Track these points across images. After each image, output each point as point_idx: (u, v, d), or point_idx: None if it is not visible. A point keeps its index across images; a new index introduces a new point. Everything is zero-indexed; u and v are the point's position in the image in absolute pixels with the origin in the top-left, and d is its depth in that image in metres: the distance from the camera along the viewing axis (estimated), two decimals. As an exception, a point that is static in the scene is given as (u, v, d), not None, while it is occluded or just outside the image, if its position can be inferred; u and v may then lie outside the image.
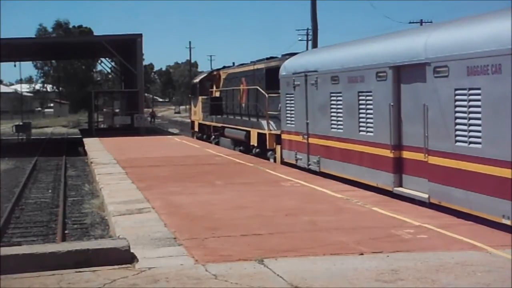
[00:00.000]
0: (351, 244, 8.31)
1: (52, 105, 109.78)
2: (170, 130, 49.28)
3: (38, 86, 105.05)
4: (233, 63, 29.49)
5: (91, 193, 18.03)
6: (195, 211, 11.08)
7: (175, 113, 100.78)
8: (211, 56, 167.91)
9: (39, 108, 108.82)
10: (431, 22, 57.25)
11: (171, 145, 27.86)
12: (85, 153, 27.56)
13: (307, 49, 59.77)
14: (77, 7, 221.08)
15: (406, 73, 12.04)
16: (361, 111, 13.73)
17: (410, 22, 69.75)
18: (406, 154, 12.14)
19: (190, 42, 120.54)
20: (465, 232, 8.83)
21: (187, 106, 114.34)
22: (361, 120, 13.75)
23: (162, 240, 8.71)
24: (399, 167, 12.29)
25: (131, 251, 7.69)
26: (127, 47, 41.01)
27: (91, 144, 29.13)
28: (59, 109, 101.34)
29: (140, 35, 38.88)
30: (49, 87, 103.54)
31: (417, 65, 11.44)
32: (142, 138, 33.55)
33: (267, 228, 9.48)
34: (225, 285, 6.67)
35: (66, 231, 13.62)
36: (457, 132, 10.34)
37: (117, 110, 48.55)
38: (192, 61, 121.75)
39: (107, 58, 55.98)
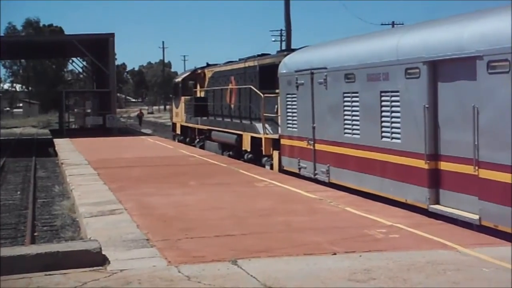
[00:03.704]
0: (324, 244, 8.34)
1: (21, 105, 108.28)
2: (143, 130, 48.96)
3: (6, 86, 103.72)
4: (207, 63, 28.87)
5: (62, 194, 17.82)
6: (169, 212, 11.02)
7: (148, 113, 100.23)
8: (184, 56, 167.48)
9: (8, 108, 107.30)
10: (402, 24, 57.69)
11: (144, 146, 27.67)
12: (56, 154, 27.24)
13: (280, 50, 59.94)
14: (48, 5, 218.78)
15: (445, 69, 10.20)
16: (384, 114, 11.85)
17: (382, 24, 70.54)
18: (446, 166, 10.30)
19: (163, 42, 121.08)
20: (435, 231, 8.92)
21: (160, 107, 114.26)
22: (384, 124, 11.85)
23: (134, 242, 8.63)
24: (435, 180, 10.52)
25: (103, 253, 7.60)
26: (99, 47, 40.67)
27: (62, 145, 28.81)
28: (29, 109, 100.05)
29: (112, 35, 38.57)
30: (18, 87, 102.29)
31: (463, 59, 9.63)
32: (114, 138, 33.25)
33: (241, 228, 9.47)
34: (198, 286, 6.63)
35: (35, 234, 13.44)
36: None
37: (88, 110, 48.06)
38: (166, 61, 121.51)
39: (78, 58, 55.51)
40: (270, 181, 14.72)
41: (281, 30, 69.56)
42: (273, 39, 77.05)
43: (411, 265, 7.20)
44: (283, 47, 52.27)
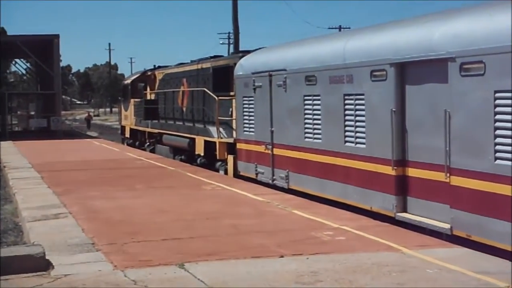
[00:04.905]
0: (272, 247, 8.37)
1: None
2: (88, 133, 48.22)
3: None
4: (154, 65, 28.59)
5: (4, 198, 17.31)
6: (115, 215, 10.88)
7: (94, 116, 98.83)
8: (131, 58, 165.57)
9: None
10: (349, 28, 58.57)
11: (90, 149, 27.26)
12: (-2, 157, 26.55)
13: (228, 52, 60.01)
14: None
15: (414, 71, 9.77)
16: (347, 118, 11.38)
17: (329, 28, 71.47)
18: (415, 172, 9.84)
19: (109, 44, 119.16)
20: (381, 233, 9.06)
21: (107, 109, 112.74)
22: (347, 129, 11.39)
23: (79, 246, 8.50)
24: (403, 187, 10.07)
25: (47, 257, 7.47)
26: (43, 48, 39.93)
27: (4, 148, 28.08)
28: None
29: (57, 36, 37.92)
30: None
31: (433, 61, 9.22)
32: (59, 141, 32.66)
33: (188, 232, 9.42)
34: (144, 290, 6.57)
35: (-23, 239, 13.07)
36: (497, 147, 8.13)
37: (32, 113, 47.17)
38: (112, 63, 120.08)
39: (21, 59, 54.24)
40: (218, 184, 14.70)
41: (229, 32, 69.62)
42: (221, 42, 77.04)
43: (357, 267, 7.30)
44: (231, 50, 52.40)
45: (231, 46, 53.28)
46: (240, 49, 30.74)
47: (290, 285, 6.68)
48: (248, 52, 17.09)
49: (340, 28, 68.16)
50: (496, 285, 6.56)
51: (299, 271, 7.14)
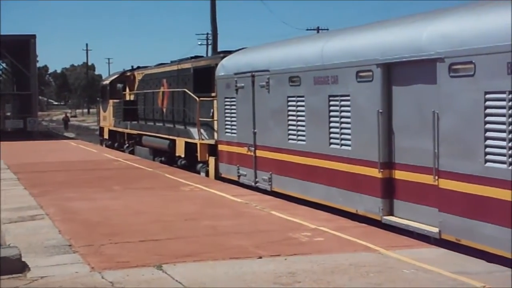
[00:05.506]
0: (250, 248, 8.37)
1: None
2: (66, 134, 47.84)
3: None
4: (132, 66, 28.37)
5: (-20, 200, 17.19)
6: (92, 217, 10.81)
7: (72, 116, 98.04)
8: (109, 59, 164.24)
9: None
10: (327, 29, 58.83)
11: (67, 150, 27.06)
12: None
13: (207, 53, 59.89)
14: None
15: (401, 72, 9.59)
16: (332, 119, 11.17)
17: (307, 29, 71.74)
18: (402, 175, 9.65)
19: (87, 45, 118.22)
20: (359, 234, 9.12)
21: (84, 110, 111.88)
22: (332, 130, 11.18)
23: (56, 248, 8.44)
24: (390, 190, 9.89)
25: (23, 259, 7.39)
26: (19, 48, 39.54)
27: (-20, 149, 27.76)
28: None
29: (34, 36, 37.66)
30: None
31: (421, 61, 9.04)
32: (36, 142, 32.37)
33: (166, 233, 9.39)
34: (122, 292, 6.54)
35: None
36: (488, 150, 7.94)
37: (8, 114, 46.61)
38: (90, 63, 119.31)
39: (-3, 59, 53.65)
40: (196, 185, 14.67)
41: (207, 33, 69.50)
42: (199, 43, 76.97)
43: (335, 267, 7.33)
44: (210, 51, 52.33)
45: (210, 47, 53.22)
46: (219, 50, 30.70)
47: (268, 285, 6.69)
48: (229, 52, 16.89)
49: (318, 29, 68.39)
50: (472, 285, 6.63)
51: (277, 272, 7.15)
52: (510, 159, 7.63)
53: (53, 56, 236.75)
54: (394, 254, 7.95)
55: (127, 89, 27.64)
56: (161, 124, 21.87)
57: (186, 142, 18.79)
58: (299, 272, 7.15)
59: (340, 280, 6.84)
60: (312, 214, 10.85)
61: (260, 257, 7.85)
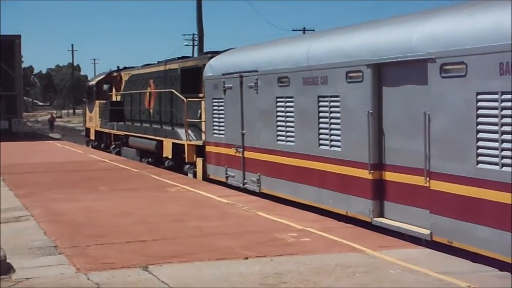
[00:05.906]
0: (236, 248, 8.37)
1: None
2: (51, 135, 47.56)
3: None
4: (118, 66, 28.33)
5: (-36, 201, 17.04)
6: (78, 218, 10.76)
7: (57, 117, 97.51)
8: (94, 59, 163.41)
9: None
10: (313, 30, 58.98)
11: (53, 151, 26.91)
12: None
13: (193, 54, 59.81)
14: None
15: (392, 72, 9.50)
16: (322, 120, 11.07)
17: (293, 30, 71.91)
18: (392, 176, 9.52)
19: (72, 45, 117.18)
20: (345, 234, 9.14)
21: (70, 111, 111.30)
22: (322, 131, 11.09)
23: (41, 249, 8.39)
24: (380, 192, 9.77)
25: (8, 261, 7.35)
26: (4, 49, 39.19)
27: (-35, 150, 27.55)
28: None
29: (19, 36, 37.46)
30: None
31: (412, 62, 8.98)
32: (21, 143, 32.14)
33: (152, 234, 9.36)
34: (108, 293, 6.51)
35: None
36: (480, 151, 7.84)
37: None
38: (75, 64, 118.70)
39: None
40: (183, 186, 14.65)
41: (194, 34, 69.39)
42: (185, 43, 76.87)
43: (321, 268, 7.34)
44: (196, 52, 52.26)
45: (196, 47, 53.12)
46: (205, 50, 30.64)
47: (254, 286, 6.69)
48: (217, 53, 16.77)
49: (304, 30, 68.53)
50: (457, 285, 6.67)
51: (264, 273, 7.15)
52: (502, 161, 7.58)
53: (38, 56, 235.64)
54: (381, 254, 7.97)
55: (114, 90, 27.51)
56: (148, 125, 21.75)
57: (173, 143, 18.67)
58: (285, 272, 7.16)
59: (327, 281, 6.85)
60: (299, 215, 10.86)
61: (247, 258, 7.85)
